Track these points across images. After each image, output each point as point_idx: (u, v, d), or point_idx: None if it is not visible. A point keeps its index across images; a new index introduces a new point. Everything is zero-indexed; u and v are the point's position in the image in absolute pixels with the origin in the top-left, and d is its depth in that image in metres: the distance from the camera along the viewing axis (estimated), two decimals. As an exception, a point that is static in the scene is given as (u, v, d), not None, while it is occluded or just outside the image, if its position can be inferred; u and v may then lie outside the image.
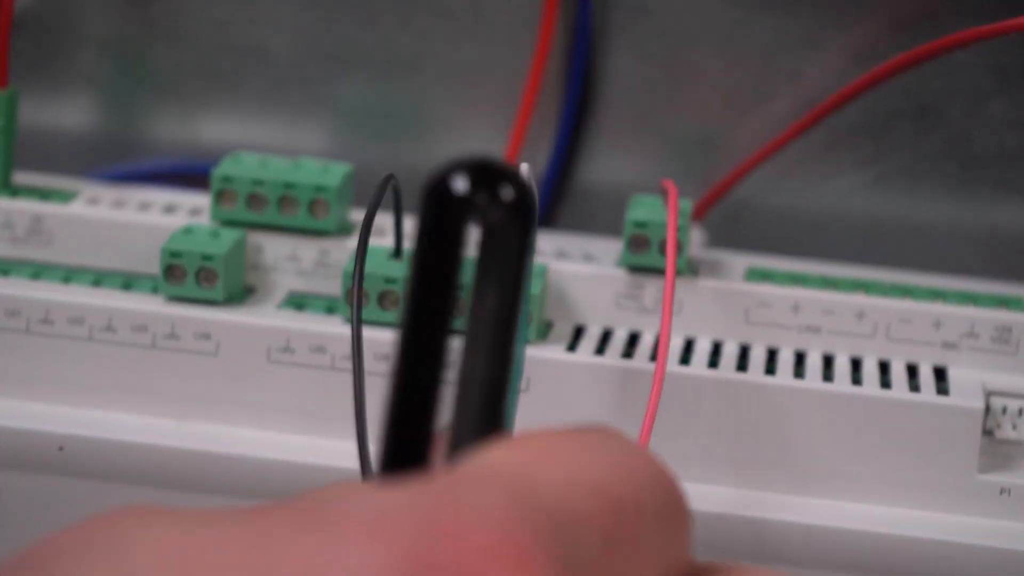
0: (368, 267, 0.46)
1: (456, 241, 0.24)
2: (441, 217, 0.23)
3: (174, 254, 0.47)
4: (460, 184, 0.23)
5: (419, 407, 0.24)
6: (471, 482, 0.22)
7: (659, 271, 0.48)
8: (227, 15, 0.58)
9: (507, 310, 0.24)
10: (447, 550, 0.21)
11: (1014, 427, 0.46)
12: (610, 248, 0.51)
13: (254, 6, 0.58)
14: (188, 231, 0.48)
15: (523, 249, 0.24)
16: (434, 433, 0.24)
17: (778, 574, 0.25)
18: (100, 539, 0.22)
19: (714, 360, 0.47)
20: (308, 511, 0.22)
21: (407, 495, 0.22)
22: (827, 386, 0.46)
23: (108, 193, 0.52)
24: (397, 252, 0.48)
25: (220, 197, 0.49)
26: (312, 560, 0.21)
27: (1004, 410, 0.46)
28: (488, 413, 0.24)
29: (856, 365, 0.48)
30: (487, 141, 0.57)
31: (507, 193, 0.23)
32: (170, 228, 0.49)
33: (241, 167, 0.49)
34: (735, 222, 0.57)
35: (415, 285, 0.24)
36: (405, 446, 0.24)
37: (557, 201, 0.58)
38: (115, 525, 0.22)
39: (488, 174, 0.23)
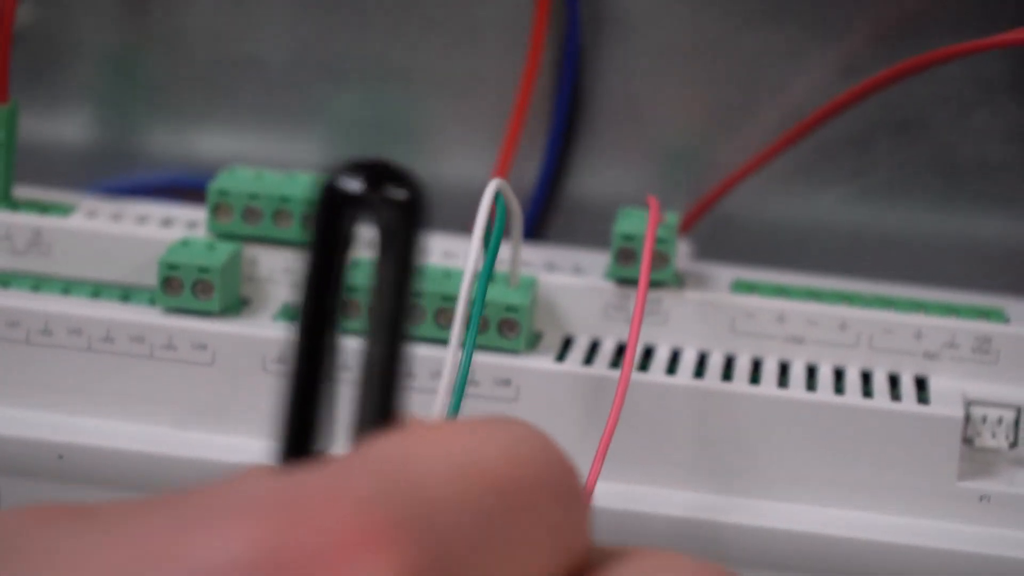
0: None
1: (345, 237, 0.24)
2: (330, 214, 0.24)
3: (171, 266, 0.47)
4: (351, 183, 0.24)
5: (308, 397, 0.24)
6: (344, 467, 0.22)
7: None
8: (223, 28, 0.59)
9: (396, 306, 0.24)
10: (299, 532, 0.21)
11: (993, 435, 0.46)
12: (598, 260, 0.51)
13: (250, 20, 0.59)
14: (185, 244, 0.49)
15: (412, 248, 0.24)
16: (327, 424, 0.24)
17: (680, 556, 0.24)
18: (2, 538, 0.22)
19: (700, 370, 0.48)
20: (189, 503, 0.22)
21: (282, 481, 0.22)
22: (810, 395, 0.46)
23: (106, 207, 0.53)
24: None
25: (216, 210, 0.49)
26: (165, 550, 0.21)
27: (984, 419, 0.46)
28: (382, 405, 0.24)
29: (839, 375, 0.48)
30: (478, 153, 0.58)
31: (398, 193, 0.24)
32: (167, 241, 0.49)
33: (237, 181, 0.50)
34: (722, 235, 0.57)
35: (305, 282, 0.24)
36: (298, 438, 0.24)
37: (546, 214, 0.58)
38: (20, 525, 0.22)
39: (380, 174, 0.24)
